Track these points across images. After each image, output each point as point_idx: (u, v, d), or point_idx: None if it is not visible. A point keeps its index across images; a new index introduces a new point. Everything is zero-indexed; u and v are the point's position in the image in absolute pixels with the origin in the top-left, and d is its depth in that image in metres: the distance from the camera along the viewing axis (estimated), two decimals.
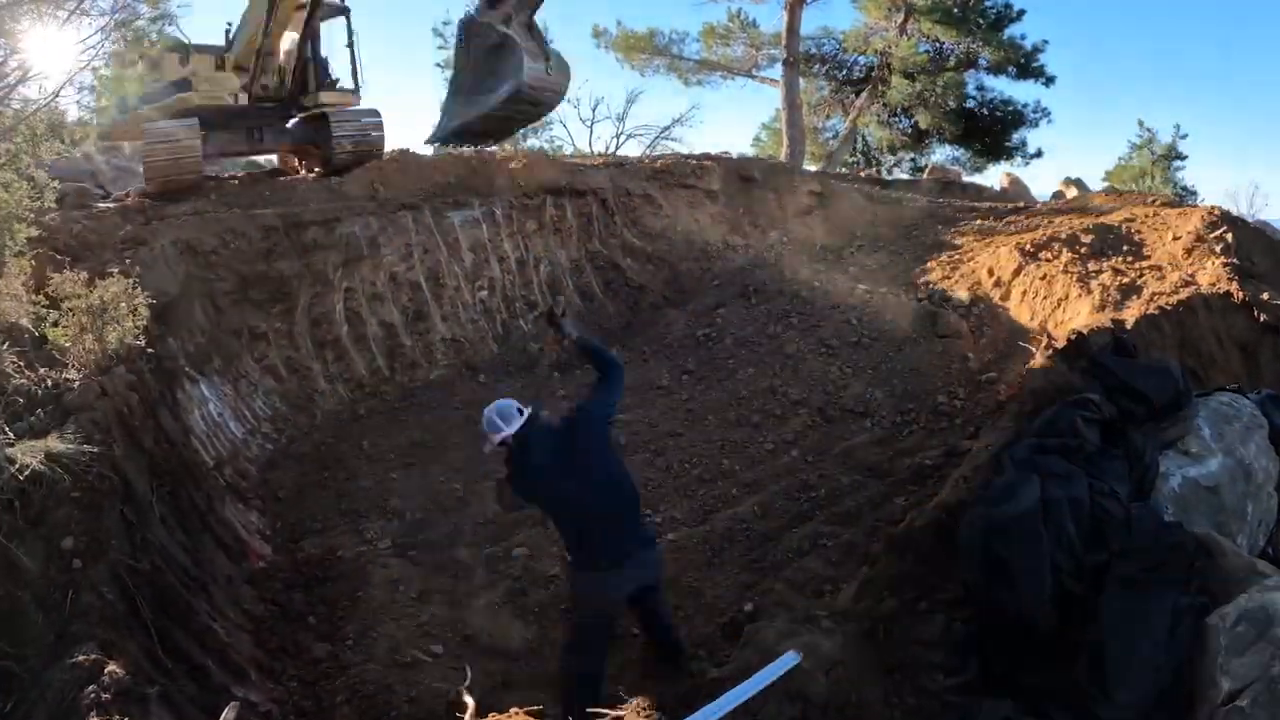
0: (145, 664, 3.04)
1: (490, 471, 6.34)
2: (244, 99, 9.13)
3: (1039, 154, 17.68)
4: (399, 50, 50.30)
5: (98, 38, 4.57)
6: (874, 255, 9.62)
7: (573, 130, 27.76)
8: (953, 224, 10.36)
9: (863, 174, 16.45)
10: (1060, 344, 6.17)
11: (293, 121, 9.89)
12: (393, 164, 9.45)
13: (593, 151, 18.15)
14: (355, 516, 5.94)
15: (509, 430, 3.68)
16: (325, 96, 9.56)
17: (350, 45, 9.86)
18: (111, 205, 8.15)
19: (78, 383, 4.09)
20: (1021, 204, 12.27)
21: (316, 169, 9.84)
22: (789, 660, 3.24)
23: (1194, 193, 19.90)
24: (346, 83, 9.88)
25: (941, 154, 18.53)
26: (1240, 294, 6.79)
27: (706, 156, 11.99)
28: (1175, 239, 8.09)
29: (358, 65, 9.85)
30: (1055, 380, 5.06)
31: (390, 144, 9.80)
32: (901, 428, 6.56)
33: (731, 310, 9.07)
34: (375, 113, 9.53)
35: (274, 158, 11.32)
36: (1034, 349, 6.48)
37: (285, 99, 9.59)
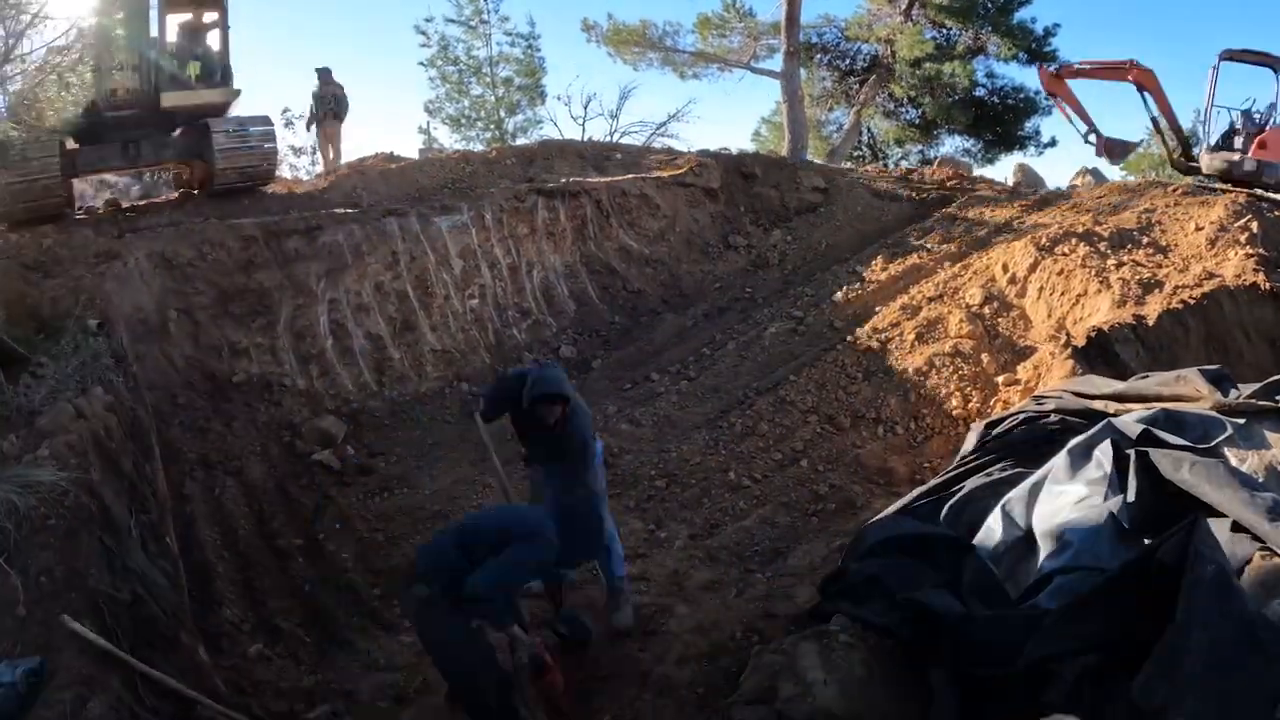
0: (128, 699, 3.05)
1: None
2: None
3: (1053, 143, 17.61)
4: (381, 50, 50.41)
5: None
6: (882, 252, 9.65)
7: (565, 128, 27.85)
8: (962, 219, 10.39)
9: (869, 168, 16.49)
10: (1080, 342, 6.20)
11: (176, 132, 8.51)
12: (376, 169, 9.50)
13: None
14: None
15: None
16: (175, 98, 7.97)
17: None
18: (82, 217, 8.18)
19: (52, 405, 4.11)
20: (1036, 196, 12.31)
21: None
22: None
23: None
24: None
25: (951, 145, 18.50)
26: (1267, 285, 6.83)
27: (704, 153, 12.04)
28: (1198, 229, 8.14)
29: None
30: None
31: (375, 147, 9.71)
32: (915, 434, 6.58)
33: (734, 314, 9.10)
34: (266, 120, 8.52)
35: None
36: (1052, 348, 6.51)
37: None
